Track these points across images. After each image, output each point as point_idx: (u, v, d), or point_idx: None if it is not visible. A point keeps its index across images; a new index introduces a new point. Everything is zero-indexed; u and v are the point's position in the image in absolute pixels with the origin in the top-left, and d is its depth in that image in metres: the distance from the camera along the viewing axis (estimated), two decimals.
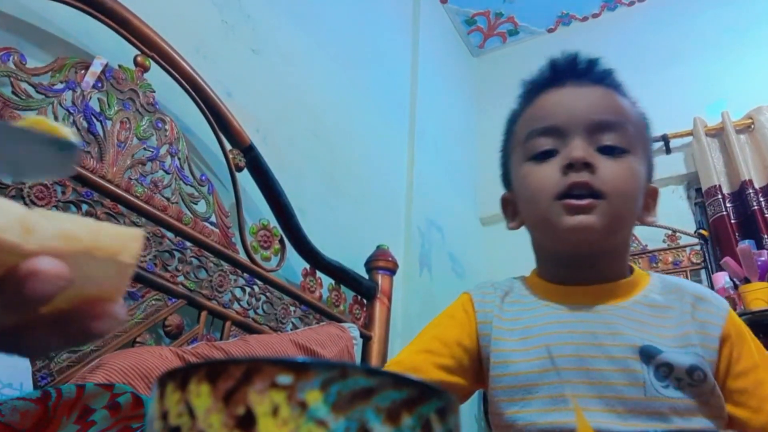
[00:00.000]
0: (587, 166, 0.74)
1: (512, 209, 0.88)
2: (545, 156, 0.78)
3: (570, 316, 0.76)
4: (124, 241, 0.32)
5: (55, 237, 0.29)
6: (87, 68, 1.20)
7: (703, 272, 2.43)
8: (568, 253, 0.79)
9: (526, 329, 0.77)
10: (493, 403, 0.77)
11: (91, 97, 1.19)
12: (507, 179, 0.90)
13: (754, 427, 0.71)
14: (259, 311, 1.46)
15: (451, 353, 0.80)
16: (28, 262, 0.28)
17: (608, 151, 0.76)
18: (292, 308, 1.56)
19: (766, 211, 2.34)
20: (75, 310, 0.31)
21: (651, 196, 0.84)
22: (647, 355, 0.70)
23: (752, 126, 2.52)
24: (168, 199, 1.29)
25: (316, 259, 1.66)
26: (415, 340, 0.87)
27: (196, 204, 1.36)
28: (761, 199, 2.37)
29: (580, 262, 0.79)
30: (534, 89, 0.86)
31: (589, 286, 0.78)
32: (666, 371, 0.69)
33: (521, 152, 0.82)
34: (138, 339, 1.17)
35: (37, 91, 1.10)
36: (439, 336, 0.82)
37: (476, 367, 0.81)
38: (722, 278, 2.27)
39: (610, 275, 0.79)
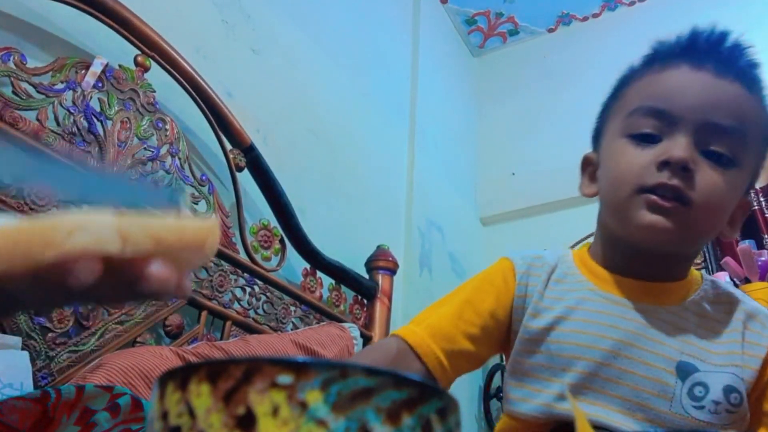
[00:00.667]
0: (685, 170, 0.67)
1: (591, 173, 0.81)
2: (644, 139, 0.71)
3: (614, 309, 0.72)
4: (205, 235, 0.36)
5: (146, 241, 0.34)
6: (87, 68, 1.20)
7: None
8: (635, 245, 0.73)
9: (567, 309, 0.73)
10: (510, 381, 0.74)
11: (91, 97, 1.19)
12: (597, 139, 0.82)
13: None
14: (260, 311, 1.46)
15: (483, 323, 0.76)
16: (136, 264, 0.33)
17: (714, 157, 0.68)
18: (292, 308, 1.56)
19: (766, 211, 2.34)
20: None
21: (741, 209, 0.77)
22: (684, 371, 0.67)
23: None
24: None
25: (316, 259, 1.66)
26: (447, 298, 0.82)
27: (197, 204, 1.36)
28: (761, 199, 2.37)
29: (643, 258, 0.74)
30: (665, 56, 0.76)
31: (641, 282, 0.74)
32: (702, 391, 0.66)
33: (621, 123, 0.74)
34: (138, 339, 1.17)
35: (38, 91, 1.10)
36: (473, 302, 0.77)
37: (503, 337, 0.77)
38: (722, 278, 2.27)
39: (666, 275, 0.75)
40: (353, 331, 1.61)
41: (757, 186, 2.39)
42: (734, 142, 0.69)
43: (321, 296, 1.67)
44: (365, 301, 1.84)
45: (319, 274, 1.69)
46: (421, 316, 0.81)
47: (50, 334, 1.03)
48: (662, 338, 0.69)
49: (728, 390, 0.66)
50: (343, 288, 1.77)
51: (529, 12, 3.21)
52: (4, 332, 0.96)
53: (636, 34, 3.04)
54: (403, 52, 2.65)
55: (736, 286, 2.21)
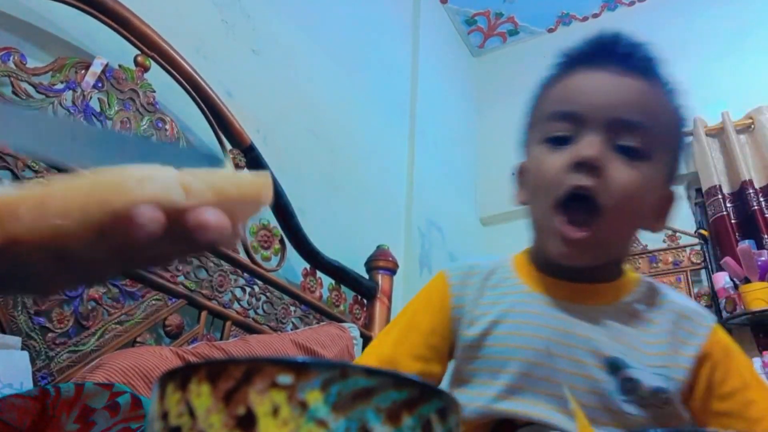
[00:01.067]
0: (595, 168, 0.68)
1: (524, 179, 0.82)
2: (559, 141, 0.72)
3: (547, 310, 0.73)
4: (260, 187, 0.39)
5: (207, 193, 0.35)
6: (87, 68, 1.20)
7: (703, 272, 2.43)
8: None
9: (501, 313, 0.75)
10: (453, 389, 0.76)
11: (91, 97, 1.19)
12: (524, 148, 0.83)
13: None
14: (260, 311, 1.46)
15: (427, 342, 0.78)
16: (196, 213, 0.34)
17: (626, 151, 0.70)
18: (292, 308, 1.56)
19: (766, 211, 2.34)
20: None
21: (666, 202, 0.78)
22: (614, 366, 0.68)
23: (752, 126, 2.52)
24: None
25: (316, 259, 1.66)
26: (393, 323, 0.84)
27: None
28: (761, 199, 2.37)
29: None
30: (568, 63, 0.79)
31: (574, 284, 0.75)
32: (630, 387, 0.67)
33: (538, 130, 0.77)
34: (138, 339, 1.17)
35: (38, 91, 1.10)
36: (414, 324, 0.80)
37: (451, 351, 0.79)
38: (722, 278, 2.27)
39: (599, 278, 0.76)
40: (353, 331, 1.62)
41: (757, 186, 2.39)
42: (643, 135, 0.70)
43: (321, 296, 1.67)
44: (365, 301, 1.84)
45: (318, 274, 1.69)
46: (372, 345, 0.84)
47: (50, 334, 1.03)
48: (593, 335, 0.70)
49: (657, 388, 0.67)
50: (343, 288, 1.77)
51: (529, 12, 3.21)
52: (4, 332, 0.96)
53: (636, 34, 3.05)
54: (403, 52, 2.65)
55: (736, 286, 2.21)
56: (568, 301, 0.74)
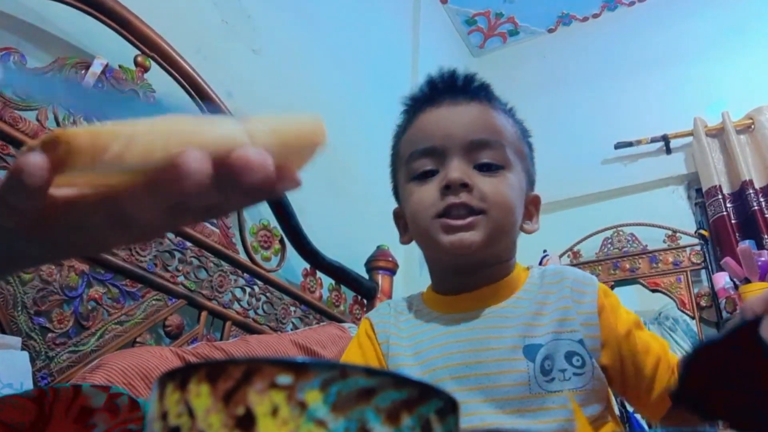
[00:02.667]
0: (465, 186, 0.76)
1: (403, 224, 0.90)
2: (426, 176, 0.80)
3: (457, 326, 0.79)
4: (315, 127, 0.40)
5: (271, 137, 0.36)
6: (87, 68, 1.20)
7: (703, 272, 2.43)
8: (452, 264, 0.81)
9: (419, 343, 0.80)
10: None
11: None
12: (397, 194, 0.92)
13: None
14: (260, 311, 1.46)
15: None
16: (241, 153, 0.34)
17: (485, 168, 0.79)
18: (292, 308, 1.56)
19: (766, 212, 2.34)
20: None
21: (533, 204, 0.87)
22: (531, 352, 0.73)
23: (752, 126, 2.52)
24: None
25: (316, 260, 1.66)
26: None
27: None
28: (761, 199, 2.37)
29: (464, 271, 0.81)
30: (414, 107, 0.88)
31: (473, 292, 0.81)
32: (549, 364, 0.72)
33: (404, 171, 0.84)
34: (138, 339, 1.17)
35: None
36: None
37: None
38: (723, 278, 2.27)
39: (491, 279, 0.82)
40: (353, 331, 1.61)
41: (758, 186, 2.39)
42: (496, 149, 0.80)
43: (321, 296, 1.67)
44: (365, 301, 1.84)
45: (318, 274, 1.69)
46: None
47: (50, 335, 1.03)
48: (504, 332, 0.75)
49: (569, 355, 0.73)
50: (343, 288, 1.77)
51: (529, 12, 3.21)
52: (4, 332, 0.96)
53: (636, 34, 3.05)
54: (403, 53, 2.65)
55: (736, 286, 2.21)
56: (472, 309, 0.80)
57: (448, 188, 0.76)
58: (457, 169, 0.77)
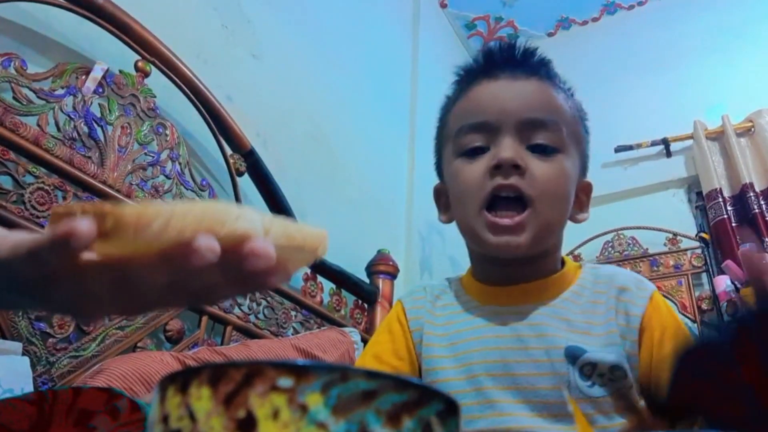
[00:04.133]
0: (516, 167, 0.71)
1: (445, 201, 0.85)
2: (475, 152, 0.75)
3: (498, 319, 0.75)
4: (320, 240, 0.44)
5: (282, 236, 0.41)
6: (88, 73, 1.20)
7: (704, 275, 2.42)
8: (499, 260, 0.77)
9: (456, 334, 0.76)
10: None
11: (92, 103, 1.20)
12: (440, 170, 0.87)
13: None
14: (260, 316, 1.46)
15: (393, 367, 0.79)
16: (252, 243, 0.38)
17: (539, 149, 0.74)
18: (293, 313, 1.56)
19: (766, 214, 2.34)
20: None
21: (584, 192, 0.82)
22: (572, 356, 0.69)
23: (752, 129, 2.52)
24: None
25: (316, 264, 1.65)
26: (360, 358, 0.87)
27: None
28: (762, 202, 2.37)
29: (509, 264, 0.77)
30: (467, 78, 0.82)
31: (518, 285, 0.77)
32: (589, 370, 0.68)
33: (452, 146, 0.79)
34: (139, 344, 1.16)
35: (38, 97, 1.10)
36: (377, 354, 0.82)
37: (418, 374, 0.80)
38: (723, 281, 2.27)
39: (540, 273, 0.78)
40: (354, 335, 1.61)
41: (758, 189, 2.39)
42: (552, 130, 0.74)
43: (321, 301, 1.67)
44: (366, 305, 1.83)
45: (319, 278, 1.69)
46: None
47: (51, 340, 1.03)
48: (547, 331, 0.72)
49: (613, 365, 0.69)
50: (344, 292, 1.77)
51: (529, 16, 3.21)
52: (5, 338, 0.96)
53: (635, 37, 3.06)
54: (403, 57, 2.65)
55: (737, 289, 2.21)
56: (516, 304, 0.76)
57: (498, 168, 0.71)
58: (509, 147, 0.72)
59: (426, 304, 0.83)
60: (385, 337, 0.83)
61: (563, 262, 0.81)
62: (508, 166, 0.71)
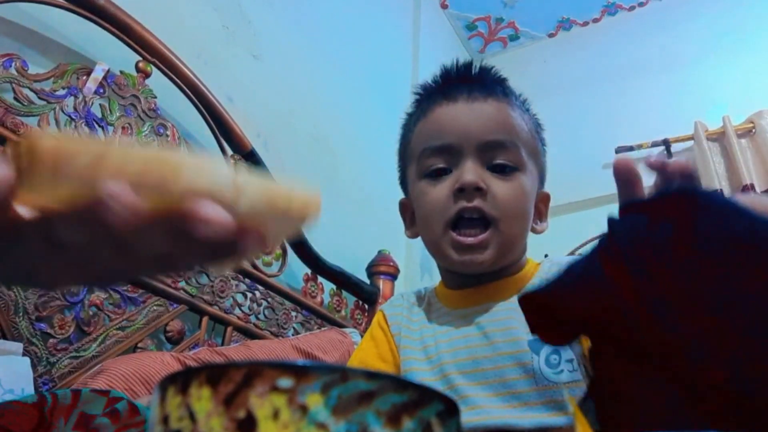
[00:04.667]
0: (478, 189, 0.75)
1: (410, 216, 0.88)
2: (438, 174, 0.79)
3: (463, 322, 0.78)
4: (310, 205, 0.37)
5: (259, 199, 0.34)
6: (89, 74, 1.21)
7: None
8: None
9: (428, 338, 0.79)
10: None
11: (92, 103, 1.20)
12: (405, 185, 0.90)
13: None
14: (261, 317, 1.46)
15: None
16: (194, 205, 0.32)
17: (499, 169, 0.77)
18: (293, 313, 1.56)
19: None
20: (234, 236, 0.34)
21: (543, 202, 0.86)
22: (535, 346, 0.71)
23: (753, 130, 2.52)
24: None
25: (317, 264, 1.66)
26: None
27: None
28: None
29: (474, 275, 0.80)
30: (427, 98, 0.85)
31: (483, 286, 0.80)
32: (556, 358, 0.70)
33: (416, 167, 0.82)
34: (139, 345, 1.17)
35: (39, 97, 1.11)
36: (362, 360, 0.84)
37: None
38: None
39: (501, 276, 0.81)
40: (354, 336, 1.61)
41: (759, 190, 2.39)
42: (510, 150, 0.78)
43: (322, 301, 1.67)
44: (366, 306, 1.83)
45: (320, 279, 1.69)
46: None
47: (51, 340, 1.03)
48: (510, 324, 0.74)
49: (576, 347, 0.71)
50: (344, 293, 1.77)
51: (530, 17, 3.21)
52: (6, 338, 0.96)
53: (636, 38, 3.06)
54: (403, 58, 2.65)
55: None
56: (479, 304, 0.79)
57: (461, 191, 0.75)
58: (471, 171, 0.76)
59: (403, 311, 0.86)
60: (369, 344, 0.86)
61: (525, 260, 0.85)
62: (470, 189, 0.75)
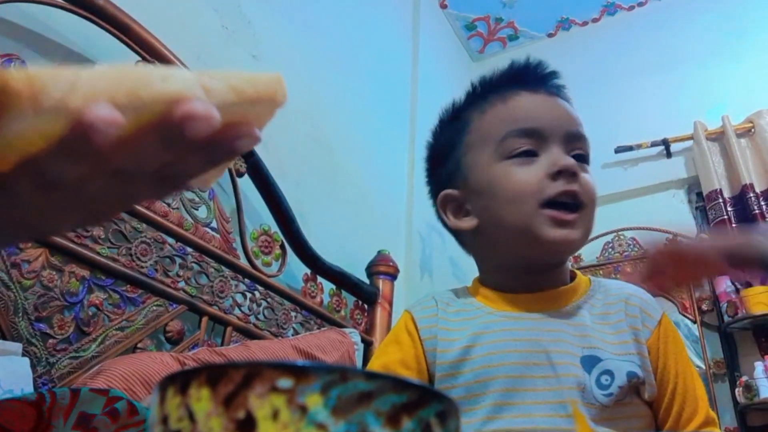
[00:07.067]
0: (574, 175, 0.76)
1: (454, 208, 0.86)
2: (525, 155, 0.78)
3: (514, 324, 0.77)
4: (275, 85, 0.38)
5: (228, 93, 0.35)
6: None
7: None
8: (538, 261, 0.79)
9: (472, 336, 0.77)
10: None
11: None
12: (453, 176, 0.87)
13: None
14: (260, 317, 1.46)
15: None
16: (182, 105, 0.32)
17: (581, 159, 0.80)
18: (293, 314, 1.56)
19: (767, 215, 2.34)
20: (223, 133, 0.35)
21: None
22: (588, 363, 0.72)
23: (752, 130, 2.52)
24: (169, 205, 1.29)
25: (316, 265, 1.66)
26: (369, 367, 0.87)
27: (197, 209, 1.37)
28: (762, 203, 2.37)
29: (537, 270, 0.80)
30: (500, 87, 0.86)
31: (532, 294, 0.80)
32: (608, 379, 0.71)
33: (494, 150, 0.80)
34: (139, 345, 1.17)
35: None
36: (385, 364, 0.82)
37: (429, 383, 0.80)
38: (724, 282, 2.27)
39: (555, 282, 0.81)
40: (354, 336, 1.61)
41: (758, 190, 2.39)
42: (587, 144, 0.82)
43: (322, 301, 1.67)
44: (366, 306, 1.83)
45: (319, 279, 1.69)
46: None
47: (51, 341, 1.03)
48: (562, 337, 0.74)
49: (631, 375, 0.71)
50: (344, 293, 1.77)
51: (529, 17, 3.22)
52: (5, 338, 0.96)
53: (636, 38, 3.06)
54: (403, 58, 2.65)
55: (737, 290, 2.21)
56: (530, 311, 0.78)
57: (558, 173, 0.76)
58: (565, 155, 0.77)
59: (438, 311, 0.83)
60: (393, 348, 0.84)
61: (573, 275, 0.84)
62: (569, 172, 0.76)
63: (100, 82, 0.31)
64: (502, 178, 0.79)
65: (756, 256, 0.76)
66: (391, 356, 0.82)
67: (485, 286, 0.84)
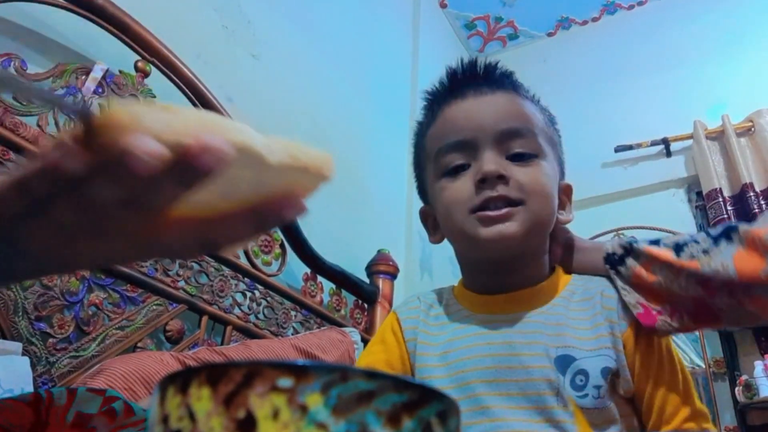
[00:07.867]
0: (500, 178, 0.74)
1: (432, 222, 0.87)
2: (458, 170, 0.77)
3: (489, 329, 0.76)
4: (326, 160, 0.42)
5: (287, 156, 0.39)
6: (88, 74, 1.20)
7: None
8: (489, 261, 0.78)
9: (448, 342, 0.78)
10: None
11: (92, 103, 1.20)
12: (424, 193, 0.89)
13: None
14: (260, 316, 1.46)
15: None
16: (200, 140, 0.33)
17: (518, 157, 0.76)
18: (293, 313, 1.56)
19: None
20: (277, 202, 0.40)
21: (565, 194, 0.84)
22: (562, 364, 0.70)
23: (752, 129, 2.52)
24: None
25: (316, 264, 1.66)
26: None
27: None
28: (762, 202, 2.37)
29: (501, 269, 0.78)
30: (436, 101, 0.85)
31: (509, 293, 0.78)
32: (582, 380, 0.69)
33: (433, 168, 0.81)
34: (139, 344, 1.17)
35: None
36: (370, 364, 0.82)
37: None
38: None
39: (530, 280, 0.79)
40: (354, 335, 1.61)
41: (758, 189, 2.39)
42: (527, 137, 0.77)
43: (321, 301, 1.67)
44: (366, 305, 1.83)
45: (319, 278, 1.69)
46: None
47: (51, 340, 1.03)
48: (537, 339, 0.73)
49: (605, 371, 0.70)
50: (344, 292, 1.77)
51: (529, 16, 3.22)
52: (5, 338, 0.96)
53: (636, 37, 3.06)
54: (403, 57, 2.65)
55: None
56: (506, 312, 0.77)
57: (483, 182, 0.74)
58: (491, 161, 0.74)
59: (420, 314, 0.84)
60: (378, 348, 0.84)
61: (553, 269, 0.83)
62: (492, 178, 0.73)
63: (190, 122, 0.33)
64: (439, 195, 0.80)
65: None
66: (377, 356, 0.83)
67: (467, 288, 0.85)
